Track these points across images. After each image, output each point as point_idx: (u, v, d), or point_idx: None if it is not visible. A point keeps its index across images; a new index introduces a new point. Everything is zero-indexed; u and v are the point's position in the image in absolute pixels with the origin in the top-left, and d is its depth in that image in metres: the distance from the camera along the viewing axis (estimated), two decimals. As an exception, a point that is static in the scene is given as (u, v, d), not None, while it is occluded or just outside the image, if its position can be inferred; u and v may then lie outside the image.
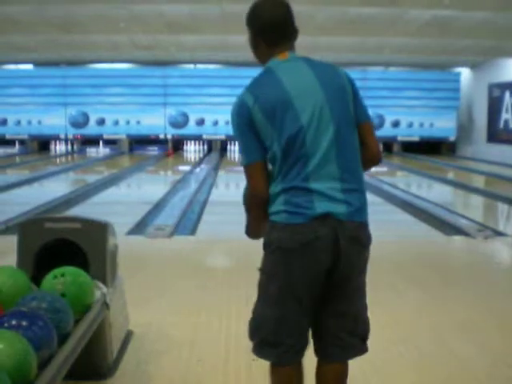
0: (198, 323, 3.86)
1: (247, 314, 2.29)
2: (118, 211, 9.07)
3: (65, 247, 3.00)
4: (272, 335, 2.09)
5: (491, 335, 3.76)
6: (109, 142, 20.93)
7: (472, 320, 4.02)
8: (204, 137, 20.47)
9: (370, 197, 9.25)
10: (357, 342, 2.21)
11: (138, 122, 20.28)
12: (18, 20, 13.39)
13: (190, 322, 3.87)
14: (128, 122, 20.29)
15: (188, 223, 7.50)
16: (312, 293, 2.09)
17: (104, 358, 2.98)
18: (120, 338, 3.29)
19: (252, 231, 2.29)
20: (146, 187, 13.22)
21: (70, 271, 2.70)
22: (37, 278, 2.80)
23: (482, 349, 3.53)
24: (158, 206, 8.75)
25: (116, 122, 20.32)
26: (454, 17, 13.22)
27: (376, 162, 2.21)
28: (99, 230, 3.01)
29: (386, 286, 4.75)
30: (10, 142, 20.52)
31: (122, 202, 10.21)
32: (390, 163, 18.27)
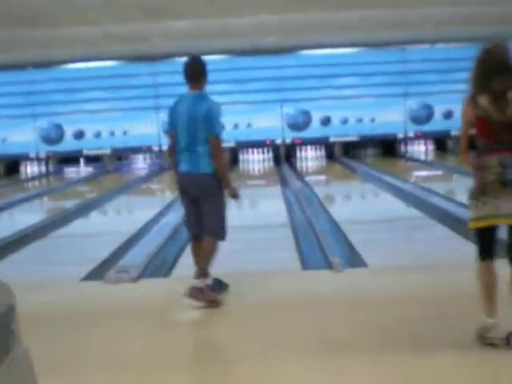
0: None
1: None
2: (89, 245, 8.93)
3: None
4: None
5: None
6: (90, 160, 20.97)
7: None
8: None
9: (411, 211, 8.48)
10: (209, 233, 5.30)
11: (125, 133, 20.27)
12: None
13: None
14: (113, 134, 20.30)
15: (163, 261, 7.26)
16: None
17: None
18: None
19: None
20: (128, 213, 13.11)
21: None
22: None
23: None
24: (133, 240, 8.51)
25: (98, 134, 20.31)
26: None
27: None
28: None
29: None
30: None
31: (95, 234, 10.06)
32: (443, 165, 17.70)
